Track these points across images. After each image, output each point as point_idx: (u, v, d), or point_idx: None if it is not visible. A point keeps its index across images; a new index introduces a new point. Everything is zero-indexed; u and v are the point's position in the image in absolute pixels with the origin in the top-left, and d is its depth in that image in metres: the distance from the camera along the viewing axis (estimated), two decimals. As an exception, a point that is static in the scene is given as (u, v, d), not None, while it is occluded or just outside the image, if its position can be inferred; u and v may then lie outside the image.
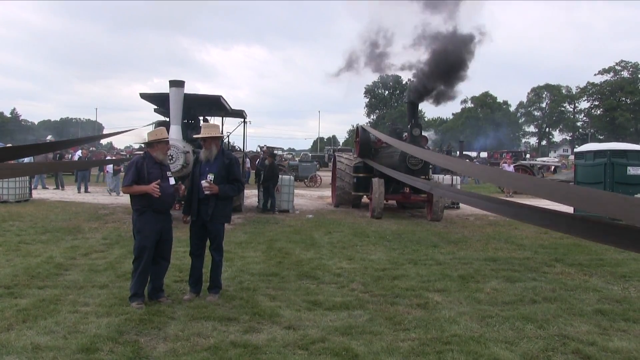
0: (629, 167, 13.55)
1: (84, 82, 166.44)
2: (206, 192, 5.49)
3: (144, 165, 5.39)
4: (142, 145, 6.36)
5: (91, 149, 29.88)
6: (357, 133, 16.46)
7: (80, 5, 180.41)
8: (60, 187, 20.37)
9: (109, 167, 20.78)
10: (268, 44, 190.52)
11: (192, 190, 5.67)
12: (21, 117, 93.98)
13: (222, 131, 12.82)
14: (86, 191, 19.30)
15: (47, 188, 20.33)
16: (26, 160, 13.94)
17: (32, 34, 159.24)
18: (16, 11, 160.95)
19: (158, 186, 5.28)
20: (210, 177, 5.55)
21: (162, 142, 5.58)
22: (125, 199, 14.37)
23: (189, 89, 11.12)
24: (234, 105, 13.88)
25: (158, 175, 5.43)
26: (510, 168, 25.63)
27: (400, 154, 13.64)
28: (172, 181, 5.64)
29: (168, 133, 10.63)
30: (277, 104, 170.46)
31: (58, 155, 22.73)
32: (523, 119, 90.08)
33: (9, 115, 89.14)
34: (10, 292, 5.60)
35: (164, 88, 11.01)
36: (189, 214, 5.72)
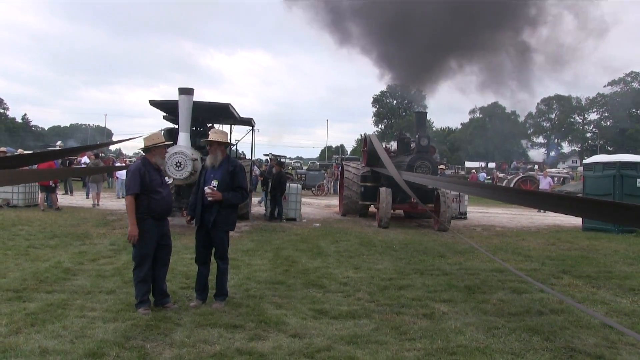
0: (638, 179, 13.46)
1: (89, 87, 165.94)
2: (209, 199, 5.47)
3: (145, 172, 5.33)
4: (140, 151, 6.25)
5: (100, 154, 30.08)
6: (365, 142, 16.48)
7: (79, 7, 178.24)
8: (69, 193, 20.54)
9: (119, 173, 20.95)
10: (272, 49, 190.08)
11: (197, 197, 5.67)
12: (32, 123, 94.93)
13: (230, 139, 12.87)
14: (95, 197, 19.41)
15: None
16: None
17: (32, 37, 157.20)
18: (15, 12, 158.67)
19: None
20: (214, 183, 5.51)
21: (160, 146, 5.52)
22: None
23: (195, 96, 11.18)
24: (240, 113, 13.96)
25: (159, 181, 5.40)
26: (547, 180, 22.32)
27: (407, 165, 13.65)
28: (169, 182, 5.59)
29: (177, 140, 10.89)
30: (283, 111, 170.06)
31: (68, 161, 22.94)
32: (531, 130, 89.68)
33: (20, 121, 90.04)
34: (19, 296, 5.66)
35: (169, 95, 11.07)
36: (193, 216, 5.68)
